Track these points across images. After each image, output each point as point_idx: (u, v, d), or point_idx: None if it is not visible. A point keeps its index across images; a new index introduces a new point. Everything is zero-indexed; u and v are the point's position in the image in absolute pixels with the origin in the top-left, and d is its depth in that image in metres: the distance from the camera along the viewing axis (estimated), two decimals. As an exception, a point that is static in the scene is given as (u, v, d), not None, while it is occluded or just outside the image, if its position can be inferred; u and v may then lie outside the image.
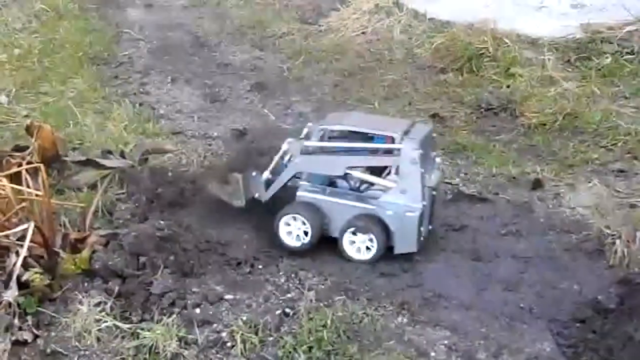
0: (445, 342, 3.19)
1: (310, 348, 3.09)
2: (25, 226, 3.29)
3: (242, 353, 3.09)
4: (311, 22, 7.00)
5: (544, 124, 5.03)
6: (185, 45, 6.58)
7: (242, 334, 3.14)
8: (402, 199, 3.59)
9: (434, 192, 3.76)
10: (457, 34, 6.11)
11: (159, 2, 7.65)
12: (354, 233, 3.63)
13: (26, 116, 5.07)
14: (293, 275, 3.57)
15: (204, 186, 4.06)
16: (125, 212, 3.99)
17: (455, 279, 3.61)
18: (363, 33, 6.62)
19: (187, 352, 3.08)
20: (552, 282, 3.58)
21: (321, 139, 3.75)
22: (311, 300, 3.34)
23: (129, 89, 5.66)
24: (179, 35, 6.80)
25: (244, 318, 3.25)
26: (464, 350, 3.15)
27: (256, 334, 3.16)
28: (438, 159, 3.88)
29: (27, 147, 4.20)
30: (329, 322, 3.18)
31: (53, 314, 3.25)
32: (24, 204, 3.48)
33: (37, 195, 3.52)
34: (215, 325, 3.24)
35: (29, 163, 3.85)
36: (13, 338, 3.09)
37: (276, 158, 3.87)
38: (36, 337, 3.15)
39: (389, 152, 3.62)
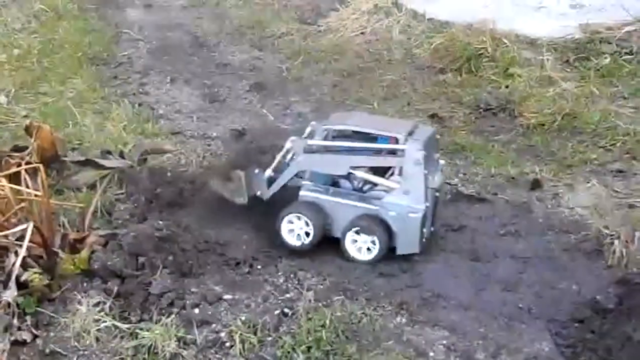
0: (444, 342, 3.19)
1: (309, 348, 3.09)
2: (24, 226, 3.29)
3: (240, 353, 3.09)
4: (310, 22, 7.00)
5: (543, 124, 5.04)
6: (184, 45, 6.58)
7: (240, 334, 3.14)
8: (405, 200, 3.59)
9: (437, 194, 3.76)
10: (456, 35, 6.12)
11: (158, 2, 7.65)
12: (357, 233, 3.63)
13: (25, 116, 5.07)
14: (292, 275, 3.57)
15: (206, 183, 4.06)
16: (124, 212, 4.00)
17: (454, 279, 3.61)
18: (362, 33, 6.62)
19: (186, 352, 3.09)
20: (551, 282, 3.58)
21: (324, 139, 3.74)
22: (310, 301, 3.34)
23: (128, 89, 5.66)
24: (178, 36, 6.80)
25: (243, 318, 3.25)
26: (463, 350, 3.15)
27: (255, 334, 3.16)
28: (441, 161, 3.88)
29: (26, 147, 4.20)
30: (327, 322, 3.18)
31: (52, 314, 3.25)
32: (23, 204, 3.48)
33: (36, 195, 3.52)
34: (214, 325, 3.24)
35: (28, 163, 3.85)
36: (12, 338, 3.09)
37: (279, 156, 3.86)
38: (35, 337, 3.16)
39: (392, 152, 3.62)
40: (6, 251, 3.35)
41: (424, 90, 5.66)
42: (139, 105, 5.36)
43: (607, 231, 3.85)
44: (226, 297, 3.41)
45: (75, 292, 3.35)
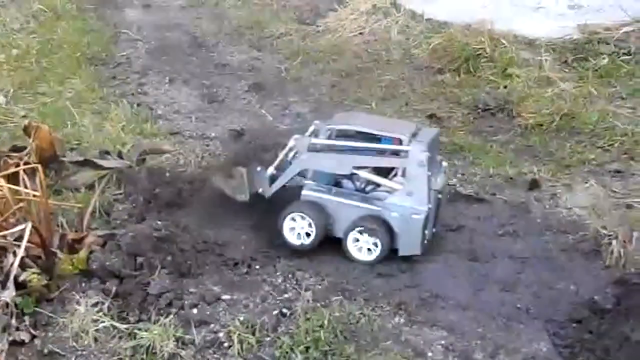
0: (442, 342, 3.19)
1: (307, 348, 3.09)
2: (22, 226, 3.29)
3: (239, 353, 3.10)
4: (309, 22, 7.00)
5: (541, 125, 5.04)
6: (183, 45, 6.58)
7: (239, 334, 3.14)
8: (408, 201, 3.58)
9: (440, 196, 3.76)
10: (455, 35, 6.12)
11: (157, 2, 7.65)
12: (360, 233, 3.62)
13: (24, 116, 5.07)
14: (290, 275, 3.58)
15: (207, 181, 4.06)
16: (123, 212, 4.00)
17: (452, 279, 3.61)
18: (360, 34, 6.62)
19: (184, 353, 3.09)
20: (549, 283, 3.59)
21: (328, 139, 3.74)
22: (308, 301, 3.35)
23: (126, 90, 5.66)
24: (176, 36, 6.80)
25: (241, 318, 3.25)
26: (461, 350, 3.15)
27: (253, 334, 3.16)
28: (444, 163, 3.88)
29: (25, 148, 4.19)
30: (326, 322, 3.19)
31: (50, 314, 3.26)
32: (21, 205, 3.48)
33: (34, 195, 3.52)
34: (212, 325, 3.24)
35: (26, 163, 3.85)
36: (10, 338, 3.09)
37: (282, 154, 3.86)
38: (33, 337, 3.16)
39: (396, 153, 3.61)
40: (4, 251, 3.34)
41: (423, 90, 5.67)
42: (138, 105, 5.36)
43: (605, 231, 3.85)
44: (224, 297, 3.42)
45: (74, 292, 3.35)
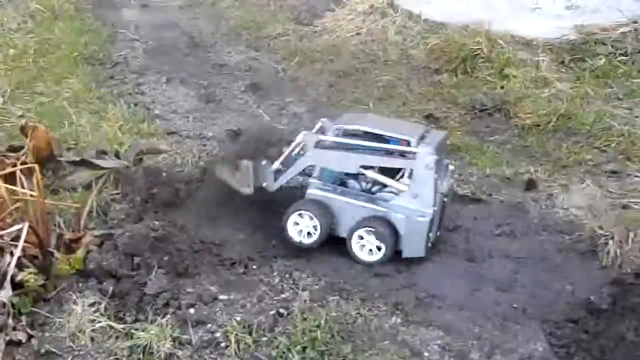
0: (439, 342, 3.20)
1: (304, 348, 3.10)
2: (19, 226, 3.29)
3: (236, 353, 3.09)
4: (306, 22, 7.01)
5: (538, 125, 5.06)
6: (180, 45, 6.58)
7: (236, 334, 3.14)
8: (413, 203, 3.58)
9: (445, 199, 3.76)
10: (452, 35, 6.14)
11: (154, 2, 7.65)
12: (367, 234, 3.62)
13: (21, 116, 5.06)
14: (287, 275, 3.58)
15: (213, 172, 4.04)
16: (120, 212, 4.00)
17: (448, 279, 3.62)
18: (358, 34, 6.63)
19: (181, 352, 3.09)
20: (545, 283, 3.60)
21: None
22: (305, 301, 3.35)
23: (124, 89, 5.66)
24: (174, 36, 6.80)
25: (238, 318, 3.26)
26: (457, 350, 3.16)
27: (250, 334, 3.16)
28: (451, 166, 3.88)
29: (22, 147, 4.19)
30: (322, 322, 3.19)
31: (47, 314, 3.25)
32: (18, 204, 3.48)
33: (31, 195, 3.52)
34: (209, 325, 3.24)
35: (23, 163, 3.85)
36: (7, 338, 3.09)
37: (288, 150, 3.85)
38: (30, 337, 3.15)
39: (403, 155, 3.61)
40: (1, 251, 3.34)
41: (420, 90, 5.68)
42: (135, 105, 5.36)
43: (601, 231, 3.86)
44: (221, 297, 3.42)
45: (71, 292, 3.34)
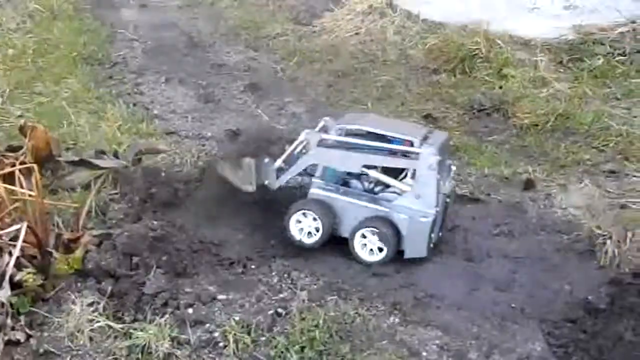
0: (437, 342, 3.20)
1: (302, 348, 3.10)
2: (18, 226, 3.29)
3: (234, 353, 3.10)
4: (305, 23, 7.02)
5: (536, 125, 5.06)
6: (179, 45, 6.59)
7: (234, 334, 3.14)
8: (416, 204, 3.58)
9: (448, 200, 3.77)
10: (450, 35, 6.15)
11: (153, 2, 7.66)
12: (372, 233, 3.62)
13: (20, 116, 5.06)
14: (286, 275, 3.58)
15: (215, 169, 4.04)
16: (119, 212, 4.00)
17: (447, 279, 3.62)
18: (357, 34, 6.64)
19: (179, 352, 3.09)
20: (544, 283, 3.60)
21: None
22: (303, 301, 3.35)
23: (123, 89, 5.66)
24: (173, 36, 6.81)
25: (237, 318, 3.26)
26: (456, 350, 3.16)
27: (249, 334, 3.17)
28: (453, 167, 3.88)
29: (21, 147, 4.19)
30: (321, 322, 3.19)
31: (46, 314, 3.25)
32: (17, 204, 3.49)
33: (30, 195, 3.52)
34: (207, 325, 3.24)
35: (22, 163, 3.85)
36: (6, 338, 3.09)
37: (290, 148, 3.84)
38: (29, 337, 3.16)
39: (406, 155, 3.61)
40: (0, 251, 3.34)
41: (418, 90, 5.69)
42: (134, 105, 5.36)
43: (599, 231, 3.87)
44: (220, 297, 3.42)
45: (69, 292, 3.35)
